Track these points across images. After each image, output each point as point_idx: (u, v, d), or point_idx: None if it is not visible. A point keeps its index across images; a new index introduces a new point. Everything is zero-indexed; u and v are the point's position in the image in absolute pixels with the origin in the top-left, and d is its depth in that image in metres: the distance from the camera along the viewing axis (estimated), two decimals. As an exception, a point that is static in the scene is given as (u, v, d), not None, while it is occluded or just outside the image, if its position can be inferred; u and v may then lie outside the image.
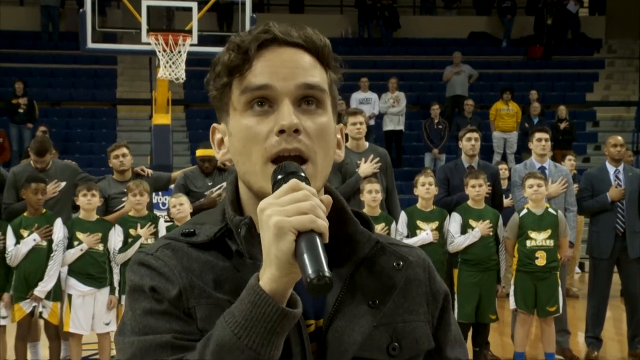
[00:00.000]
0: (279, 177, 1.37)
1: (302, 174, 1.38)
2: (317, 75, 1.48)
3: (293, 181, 1.32)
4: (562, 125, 16.25)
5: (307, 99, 1.47)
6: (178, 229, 1.52)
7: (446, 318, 1.62)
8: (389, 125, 16.66)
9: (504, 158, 16.26)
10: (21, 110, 15.31)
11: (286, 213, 1.28)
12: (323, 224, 1.29)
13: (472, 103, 16.69)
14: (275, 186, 1.35)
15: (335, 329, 1.46)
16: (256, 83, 1.45)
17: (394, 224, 7.39)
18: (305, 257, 1.25)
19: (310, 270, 1.24)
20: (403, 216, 7.46)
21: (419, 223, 7.41)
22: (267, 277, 1.29)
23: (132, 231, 7.16)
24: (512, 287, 7.36)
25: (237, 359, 1.28)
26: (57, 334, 7.28)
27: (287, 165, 1.40)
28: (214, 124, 1.58)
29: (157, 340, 1.37)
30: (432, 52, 20.62)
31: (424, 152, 16.42)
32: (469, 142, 7.95)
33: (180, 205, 7.20)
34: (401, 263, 1.55)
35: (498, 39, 21.87)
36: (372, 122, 16.23)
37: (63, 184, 7.64)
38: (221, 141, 1.57)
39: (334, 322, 1.46)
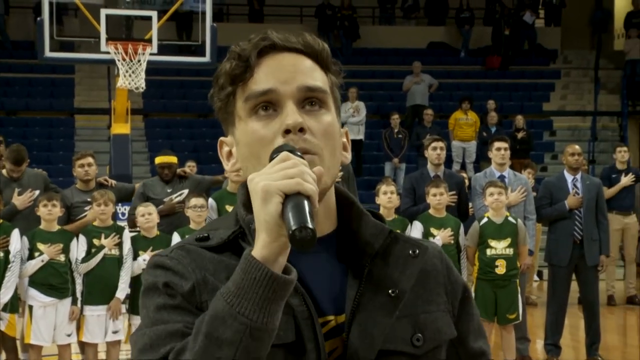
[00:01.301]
0: (274, 155, 1.39)
1: (297, 152, 1.40)
2: (317, 78, 1.52)
3: (283, 153, 1.36)
4: (520, 135, 16.40)
5: (310, 100, 1.50)
6: (192, 235, 1.54)
7: (468, 308, 1.64)
8: (349, 134, 16.68)
9: (463, 167, 16.37)
10: (-23, 120, 15.09)
11: (273, 178, 1.31)
12: (310, 187, 1.31)
13: (432, 112, 16.76)
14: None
15: (359, 323, 1.47)
16: (259, 89, 1.48)
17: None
18: (290, 214, 1.28)
19: (292, 223, 1.26)
20: (364, 225, 7.46)
21: (380, 232, 7.41)
22: (259, 244, 1.31)
23: (96, 241, 7.09)
24: (473, 295, 7.40)
25: (230, 327, 1.29)
26: (14, 346, 7.20)
27: (281, 147, 1.43)
28: (221, 138, 1.60)
29: (168, 328, 1.39)
30: (391, 62, 20.72)
31: (384, 162, 16.47)
32: (435, 151, 8.02)
33: (149, 215, 7.16)
34: (417, 250, 1.57)
35: (456, 49, 22.05)
36: (332, 132, 16.23)
37: (37, 192, 7.59)
38: (229, 153, 1.59)
39: (356, 315, 1.47)
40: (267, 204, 1.30)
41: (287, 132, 1.46)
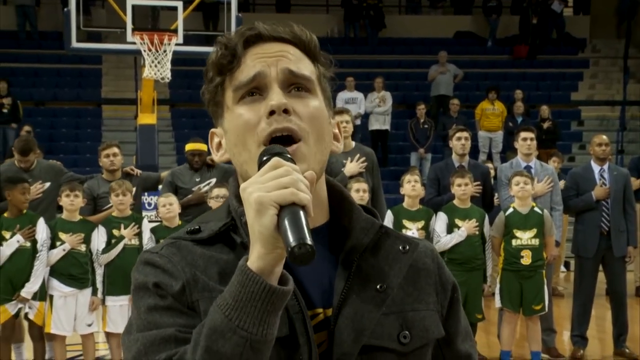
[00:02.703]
0: (264, 158, 1.37)
1: (287, 155, 1.38)
2: (304, 66, 1.51)
3: (274, 159, 1.33)
4: (545, 125, 16.28)
5: (296, 85, 1.49)
6: (184, 227, 1.53)
7: (456, 309, 1.62)
8: (374, 124, 16.66)
9: (490, 157, 16.27)
10: (5, 111, 15.20)
11: (266, 189, 1.28)
12: (305, 196, 1.29)
13: (458, 102, 16.70)
14: (260, 167, 1.36)
15: (345, 317, 1.46)
16: (246, 78, 1.48)
17: (380, 223, 7.36)
18: (287, 228, 1.25)
19: (291, 239, 1.24)
20: (389, 215, 7.47)
21: (405, 222, 7.41)
22: (254, 255, 1.29)
23: (115, 232, 7.12)
24: (498, 286, 7.37)
25: (229, 341, 1.28)
26: (41, 334, 7.23)
27: (272, 147, 1.41)
28: (212, 129, 1.59)
29: (160, 334, 1.37)
30: (417, 52, 20.62)
31: (410, 152, 16.43)
32: (459, 142, 7.97)
33: (170, 205, 7.15)
34: (407, 246, 1.55)
35: (483, 39, 21.90)
36: (358, 122, 16.21)
37: (47, 184, 7.62)
38: (219, 144, 1.58)
39: (342, 309, 1.46)
40: (262, 216, 1.28)
41: (271, 113, 1.45)
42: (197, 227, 1.50)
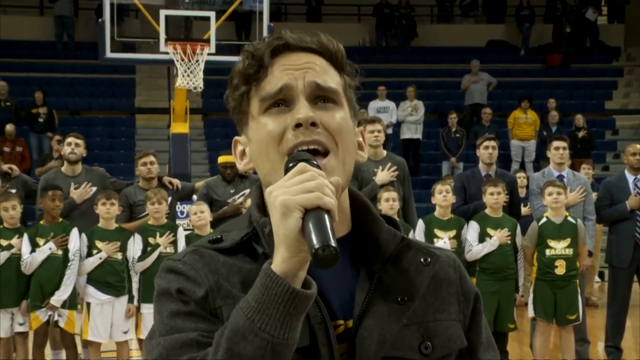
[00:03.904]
0: (290, 165, 1.38)
1: (314, 162, 1.38)
2: (330, 78, 1.50)
3: (300, 164, 1.34)
4: (580, 134, 16.17)
5: (322, 97, 1.49)
6: (205, 237, 1.54)
7: (478, 319, 1.61)
8: (406, 133, 16.63)
9: (522, 166, 16.18)
10: (41, 120, 15.39)
11: (292, 192, 1.29)
12: (330, 200, 1.29)
13: (490, 111, 16.64)
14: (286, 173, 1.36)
15: (365, 328, 1.45)
16: (273, 90, 1.47)
17: (411, 232, 7.35)
18: (312, 230, 1.26)
19: (315, 241, 1.25)
20: (420, 224, 7.44)
21: (437, 231, 7.38)
22: (278, 259, 1.30)
23: (151, 240, 7.16)
24: (531, 296, 7.30)
25: (251, 343, 1.28)
26: (73, 342, 7.30)
27: (299, 154, 1.42)
28: (236, 137, 1.60)
29: (183, 338, 1.38)
30: (450, 61, 20.57)
31: (442, 161, 16.38)
32: (487, 150, 7.92)
33: (201, 213, 7.18)
34: (428, 259, 1.54)
35: (516, 47, 21.79)
36: (389, 131, 16.20)
37: (94, 189, 7.70)
38: (243, 153, 1.58)
39: (363, 321, 1.46)
40: (287, 219, 1.28)
41: (297, 125, 1.44)
42: (219, 236, 1.51)
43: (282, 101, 1.48)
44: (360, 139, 1.58)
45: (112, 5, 11.19)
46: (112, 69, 18.34)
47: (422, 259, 1.54)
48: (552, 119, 16.63)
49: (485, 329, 1.64)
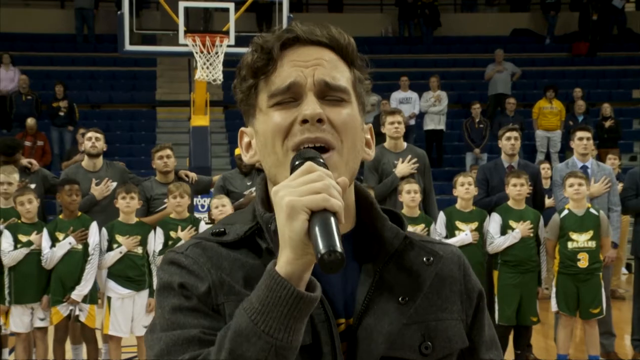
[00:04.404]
0: (297, 162, 1.37)
1: (321, 160, 1.37)
2: (340, 74, 1.49)
3: (307, 164, 1.32)
4: (607, 124, 15.94)
5: (330, 94, 1.47)
6: (208, 229, 1.52)
7: (480, 318, 1.60)
8: (429, 124, 16.48)
9: (548, 157, 15.99)
10: (62, 113, 15.38)
11: (299, 193, 1.27)
12: (337, 202, 1.27)
13: (514, 101, 16.45)
14: (293, 172, 1.34)
15: (365, 327, 1.44)
16: (282, 86, 1.46)
17: (433, 224, 7.28)
18: (317, 234, 1.24)
19: (321, 246, 1.23)
20: (442, 217, 7.36)
21: (458, 224, 7.30)
22: (283, 260, 1.28)
23: (172, 233, 7.13)
24: (554, 289, 7.20)
25: (254, 345, 1.27)
26: (94, 336, 7.30)
27: (305, 151, 1.40)
28: (242, 128, 1.58)
29: (184, 334, 1.37)
30: (473, 50, 20.37)
31: (465, 152, 16.21)
32: (509, 142, 7.81)
33: (223, 207, 7.15)
34: (431, 258, 1.53)
35: (541, 36, 21.55)
36: (412, 122, 16.09)
37: (114, 183, 7.67)
38: (249, 144, 1.57)
39: (363, 319, 1.45)
40: (293, 221, 1.26)
41: (304, 121, 1.43)
42: (222, 229, 1.49)
43: (290, 97, 1.46)
44: (369, 136, 1.57)
45: (130, -3, 11.16)
46: (133, 62, 18.33)
47: (424, 259, 1.53)
48: (579, 109, 16.41)
49: (489, 327, 1.62)
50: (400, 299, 1.47)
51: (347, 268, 1.44)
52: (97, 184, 7.67)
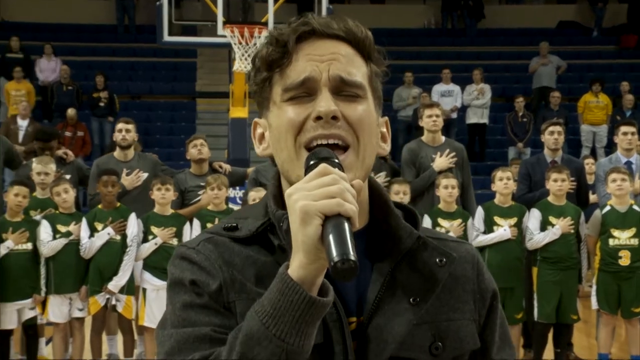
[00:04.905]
0: (311, 162, 1.35)
1: (336, 160, 1.36)
2: (356, 69, 1.47)
3: (322, 166, 1.31)
4: (655, 118, 15.60)
5: (345, 90, 1.46)
6: (220, 222, 1.51)
7: (493, 317, 1.58)
8: (472, 118, 16.26)
9: (593, 152, 15.69)
10: (102, 104, 15.43)
11: (313, 197, 1.26)
12: (351, 207, 1.26)
13: (559, 95, 16.15)
14: (307, 172, 1.33)
15: (375, 326, 1.44)
16: (297, 81, 1.44)
17: (470, 219, 7.15)
18: (331, 240, 1.23)
19: (334, 254, 1.22)
20: (480, 212, 7.23)
21: (497, 219, 7.17)
22: (296, 264, 1.28)
23: (209, 225, 7.06)
24: (594, 287, 7.06)
25: (265, 349, 1.27)
26: (130, 327, 7.34)
27: (320, 150, 1.39)
28: (255, 119, 1.57)
29: (195, 332, 1.37)
30: (518, 43, 20.06)
31: (508, 146, 15.97)
32: (552, 136, 7.67)
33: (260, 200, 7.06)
34: (444, 259, 1.51)
35: (588, 28, 21.17)
36: (454, 115, 15.90)
37: (145, 175, 7.65)
38: (262, 136, 1.55)
39: (373, 318, 1.44)
40: (307, 225, 1.25)
41: (318, 118, 1.42)
42: (235, 224, 1.48)
43: (304, 91, 1.45)
44: (384, 130, 1.56)
45: (170, -13, 11.11)
46: (173, 53, 18.36)
47: (437, 260, 1.50)
48: (628, 103, 16.08)
49: (501, 326, 1.60)
50: (411, 299, 1.46)
51: (360, 266, 1.40)
52: (127, 174, 7.64)
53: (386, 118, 1.57)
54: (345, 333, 1.40)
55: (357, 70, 1.47)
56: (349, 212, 1.26)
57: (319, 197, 1.26)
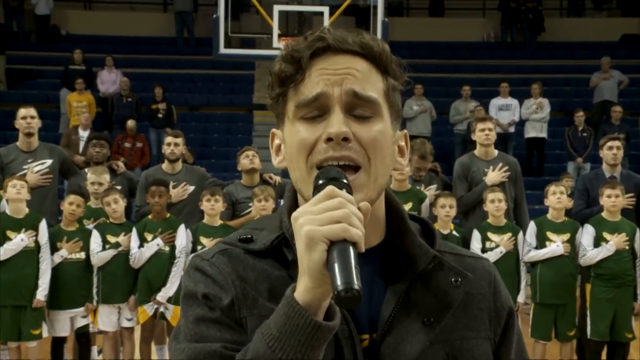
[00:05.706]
0: (320, 182, 1.35)
1: (344, 180, 1.35)
2: (370, 85, 1.45)
3: (329, 188, 1.30)
4: None
5: (359, 107, 1.44)
6: (236, 233, 1.51)
7: (509, 336, 1.56)
8: (531, 132, 16.05)
9: (656, 168, 15.33)
10: (160, 115, 15.61)
11: (318, 222, 1.26)
12: (357, 232, 1.25)
13: (621, 109, 15.84)
14: (315, 192, 1.33)
15: (388, 345, 1.43)
16: (309, 97, 1.43)
17: (520, 234, 7.04)
18: (335, 268, 1.23)
19: (338, 282, 1.22)
20: (532, 226, 7.12)
21: (549, 234, 7.05)
22: (302, 288, 1.28)
23: (257, 237, 7.08)
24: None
25: None
26: (178, 337, 7.30)
27: (329, 170, 1.38)
28: (273, 130, 1.57)
29: (206, 348, 1.37)
30: (579, 57, 19.75)
31: (567, 161, 15.71)
32: (611, 151, 7.53)
33: None
34: (459, 279, 1.49)
35: (653, 42, 20.73)
36: (512, 129, 15.71)
37: (192, 188, 7.69)
38: (279, 148, 1.55)
39: (386, 337, 1.44)
40: (312, 251, 1.25)
41: (329, 139, 1.40)
42: (250, 236, 1.48)
43: (317, 109, 1.43)
44: (402, 144, 1.53)
45: (226, 0, 11.22)
46: (231, 65, 18.50)
47: (453, 279, 1.49)
48: (690, 118, 15.69)
49: (517, 344, 1.58)
50: (425, 319, 1.45)
51: (374, 283, 1.47)
52: (174, 187, 7.69)
53: (405, 131, 1.54)
54: (357, 350, 1.40)
55: (372, 86, 1.45)
56: (355, 238, 1.25)
57: (325, 222, 1.25)
